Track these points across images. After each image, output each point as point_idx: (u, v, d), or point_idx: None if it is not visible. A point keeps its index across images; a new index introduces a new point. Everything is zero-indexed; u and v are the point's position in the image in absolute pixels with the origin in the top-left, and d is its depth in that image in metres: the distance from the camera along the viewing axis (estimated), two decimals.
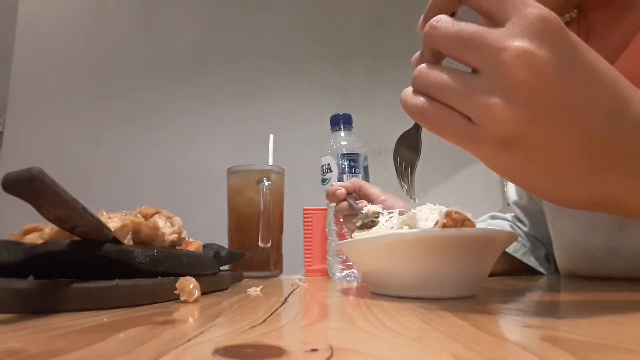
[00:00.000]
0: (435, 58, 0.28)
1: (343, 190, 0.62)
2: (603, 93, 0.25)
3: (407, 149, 0.32)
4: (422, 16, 0.29)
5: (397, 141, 0.33)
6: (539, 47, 0.23)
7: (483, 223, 0.76)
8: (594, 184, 0.26)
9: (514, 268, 0.69)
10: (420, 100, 0.27)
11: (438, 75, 0.26)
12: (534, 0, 0.25)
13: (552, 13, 0.24)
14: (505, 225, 0.74)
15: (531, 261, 0.69)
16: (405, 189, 0.33)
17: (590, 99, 0.24)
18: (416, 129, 0.32)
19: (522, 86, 0.23)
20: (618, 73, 0.26)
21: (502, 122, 0.24)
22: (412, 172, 0.32)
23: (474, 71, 0.25)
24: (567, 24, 0.49)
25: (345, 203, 0.62)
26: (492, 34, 0.24)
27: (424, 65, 0.27)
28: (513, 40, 0.23)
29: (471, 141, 0.26)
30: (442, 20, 0.26)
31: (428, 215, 0.33)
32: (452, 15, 0.28)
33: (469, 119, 0.25)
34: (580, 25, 0.49)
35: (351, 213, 0.61)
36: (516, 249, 0.69)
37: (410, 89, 0.28)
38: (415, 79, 0.27)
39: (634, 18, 0.44)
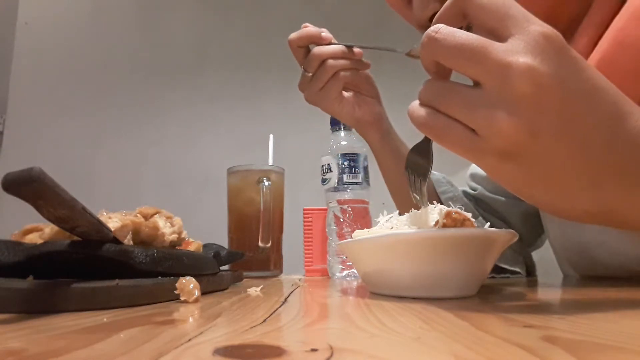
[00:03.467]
0: (438, 68, 0.28)
1: (329, 35, 0.57)
2: (602, 108, 0.26)
3: (420, 159, 0.33)
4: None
5: (409, 152, 0.34)
6: (543, 64, 0.24)
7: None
8: (593, 197, 0.27)
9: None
10: (426, 112, 0.27)
11: (442, 88, 0.27)
12: (537, 18, 0.25)
13: (555, 31, 0.25)
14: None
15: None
16: (417, 200, 0.33)
17: (590, 113, 0.25)
18: (427, 140, 0.33)
19: (526, 100, 0.24)
20: (617, 89, 0.27)
21: (505, 134, 0.24)
22: (422, 182, 0.32)
23: (476, 83, 0.26)
24: None
25: (340, 46, 0.56)
26: (497, 49, 0.24)
27: (430, 79, 0.28)
28: (517, 56, 0.24)
29: (475, 152, 0.26)
30: (441, 32, 0.26)
31: (428, 215, 0.32)
32: None
33: (473, 130, 0.26)
34: None
35: (351, 57, 0.57)
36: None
37: (417, 101, 0.29)
38: (422, 92, 0.28)
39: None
